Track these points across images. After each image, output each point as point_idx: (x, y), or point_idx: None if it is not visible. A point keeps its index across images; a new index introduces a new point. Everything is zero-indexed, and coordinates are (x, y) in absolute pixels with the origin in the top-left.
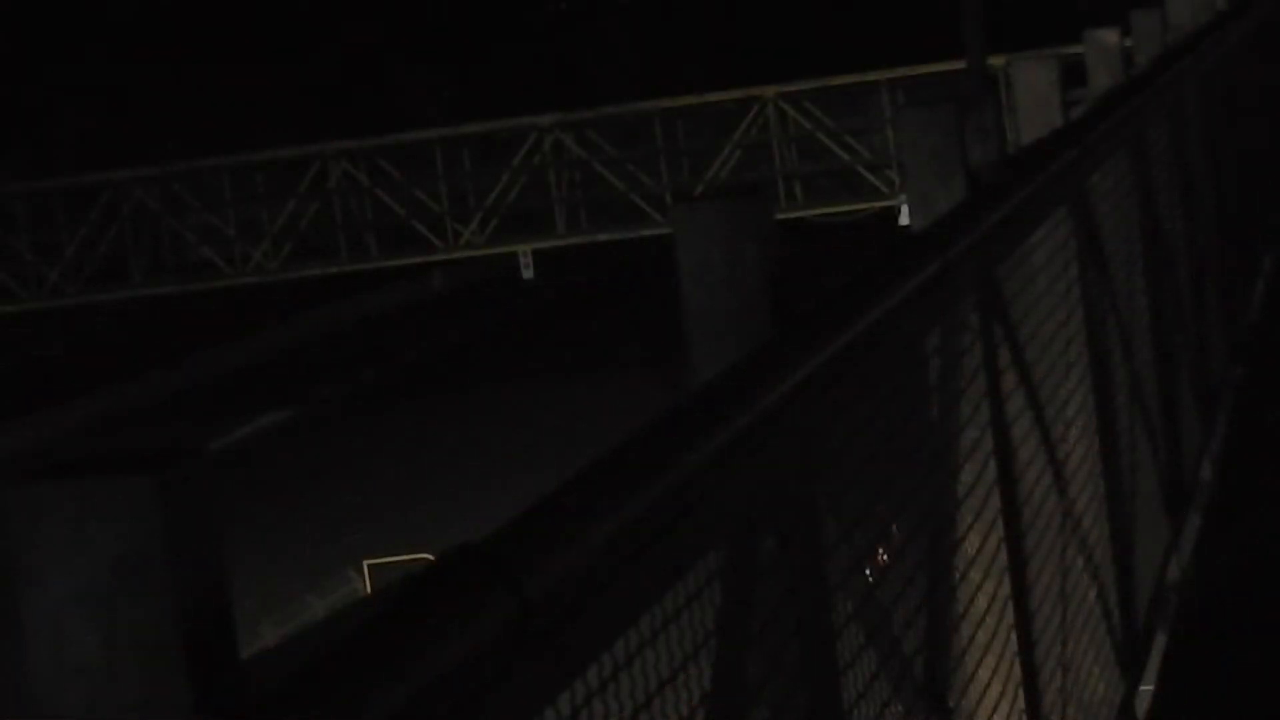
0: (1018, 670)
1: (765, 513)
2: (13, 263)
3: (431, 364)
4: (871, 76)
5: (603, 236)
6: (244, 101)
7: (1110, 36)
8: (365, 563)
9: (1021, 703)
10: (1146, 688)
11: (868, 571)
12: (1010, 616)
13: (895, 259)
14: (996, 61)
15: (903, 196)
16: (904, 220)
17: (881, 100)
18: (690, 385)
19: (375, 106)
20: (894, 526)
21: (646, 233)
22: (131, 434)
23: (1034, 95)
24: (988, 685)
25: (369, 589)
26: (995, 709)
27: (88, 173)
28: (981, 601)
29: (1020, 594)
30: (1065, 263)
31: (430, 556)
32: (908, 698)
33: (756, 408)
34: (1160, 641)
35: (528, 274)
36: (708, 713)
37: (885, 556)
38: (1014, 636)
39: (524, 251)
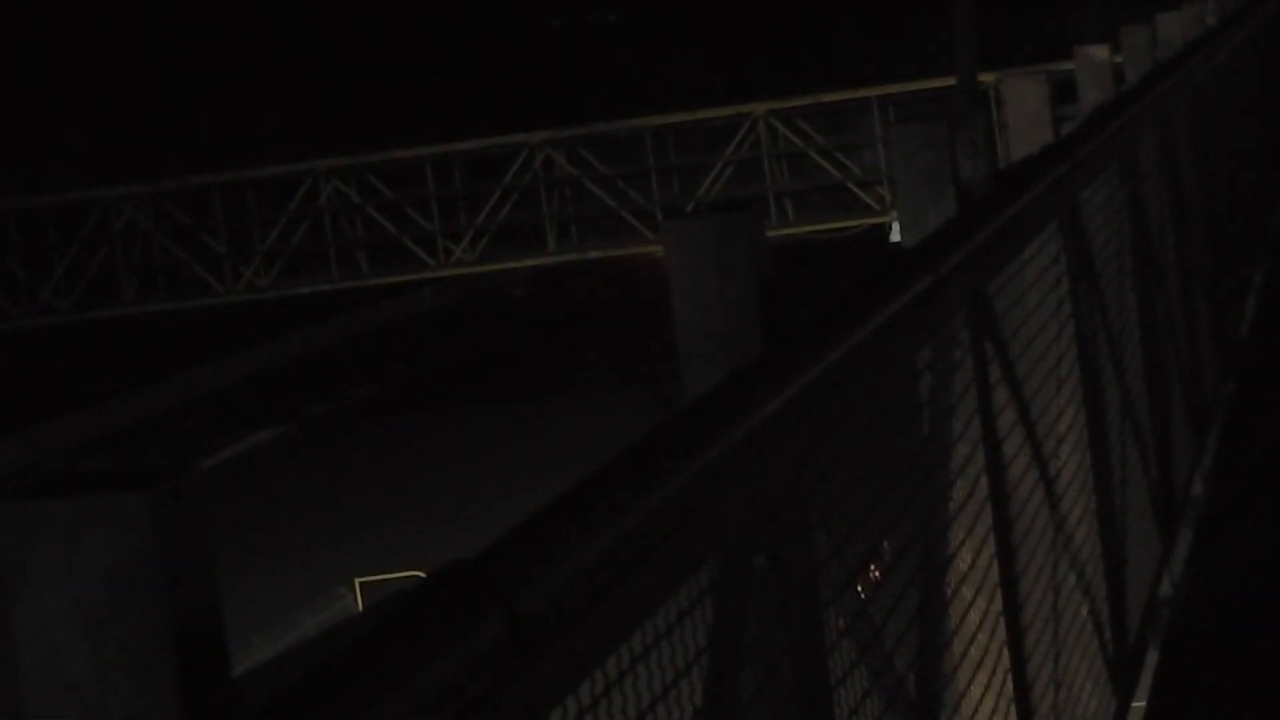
0: (1010, 687)
1: (757, 529)
2: (4, 279)
3: (424, 381)
4: (862, 93)
5: (594, 253)
6: (235, 118)
7: (1100, 53)
8: (357, 580)
9: (1014, 719)
10: (1138, 704)
11: (859, 588)
12: (1002, 633)
13: (886, 275)
14: (987, 78)
15: (894, 213)
16: (895, 237)
17: (872, 117)
18: (682, 401)
19: (367, 123)
20: (885, 543)
21: (638, 250)
22: (123, 451)
23: (1025, 111)
24: (980, 702)
25: (361, 606)
26: None
27: (79, 190)
28: (973, 618)
29: (1012, 610)
30: (1056, 278)
31: (422, 574)
32: (900, 714)
33: (748, 424)
34: (1152, 657)
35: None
36: None
37: (877, 573)
38: (1006, 653)
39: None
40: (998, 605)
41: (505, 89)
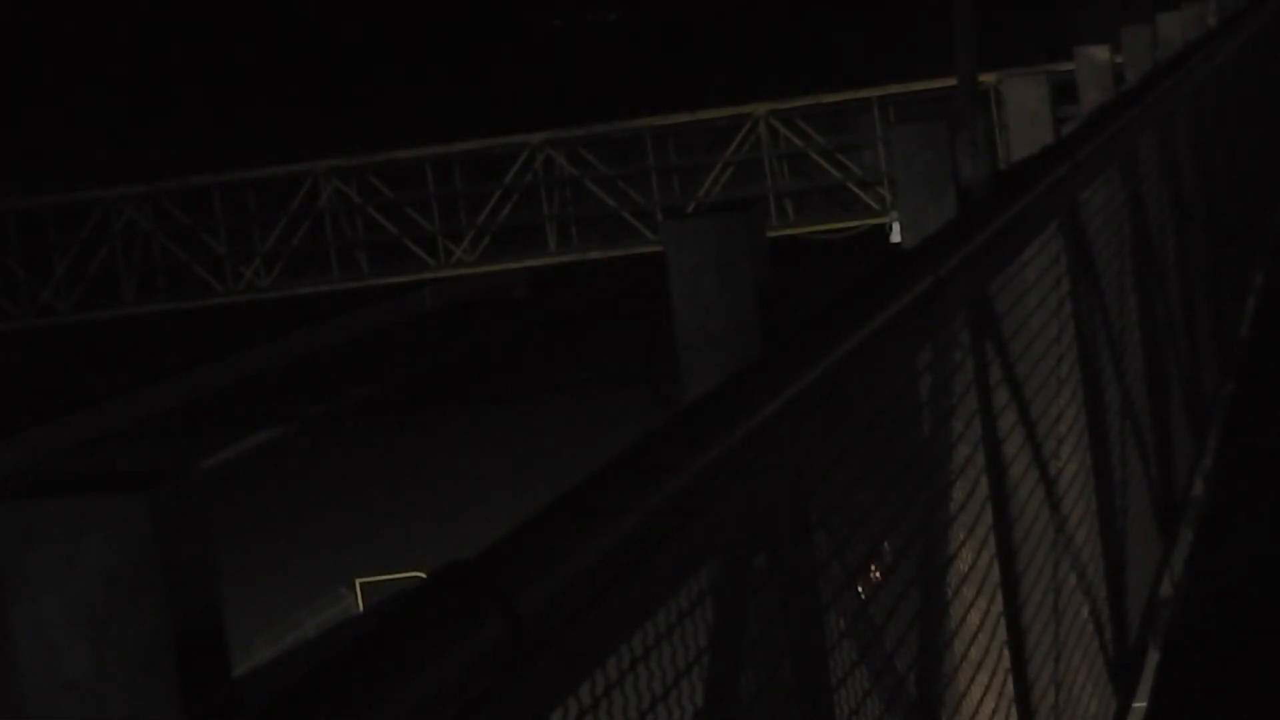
0: (1010, 687)
1: (757, 530)
2: (4, 280)
3: (424, 381)
4: (863, 94)
5: (594, 254)
6: (235, 118)
7: (1101, 53)
8: (357, 580)
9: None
10: (1139, 704)
11: (860, 589)
12: (1003, 633)
13: (886, 276)
14: (988, 78)
15: (894, 213)
16: (895, 237)
17: (873, 117)
18: (682, 401)
19: (367, 123)
20: (886, 543)
21: (637, 250)
22: (123, 452)
23: (1025, 112)
24: (980, 702)
25: (361, 607)
26: None
27: (79, 190)
28: (974, 618)
29: (1012, 611)
30: (1056, 279)
31: (423, 574)
32: (900, 715)
33: (748, 424)
34: (1153, 658)
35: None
36: None
37: (877, 574)
38: (1006, 653)
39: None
40: (998, 606)
41: (505, 89)
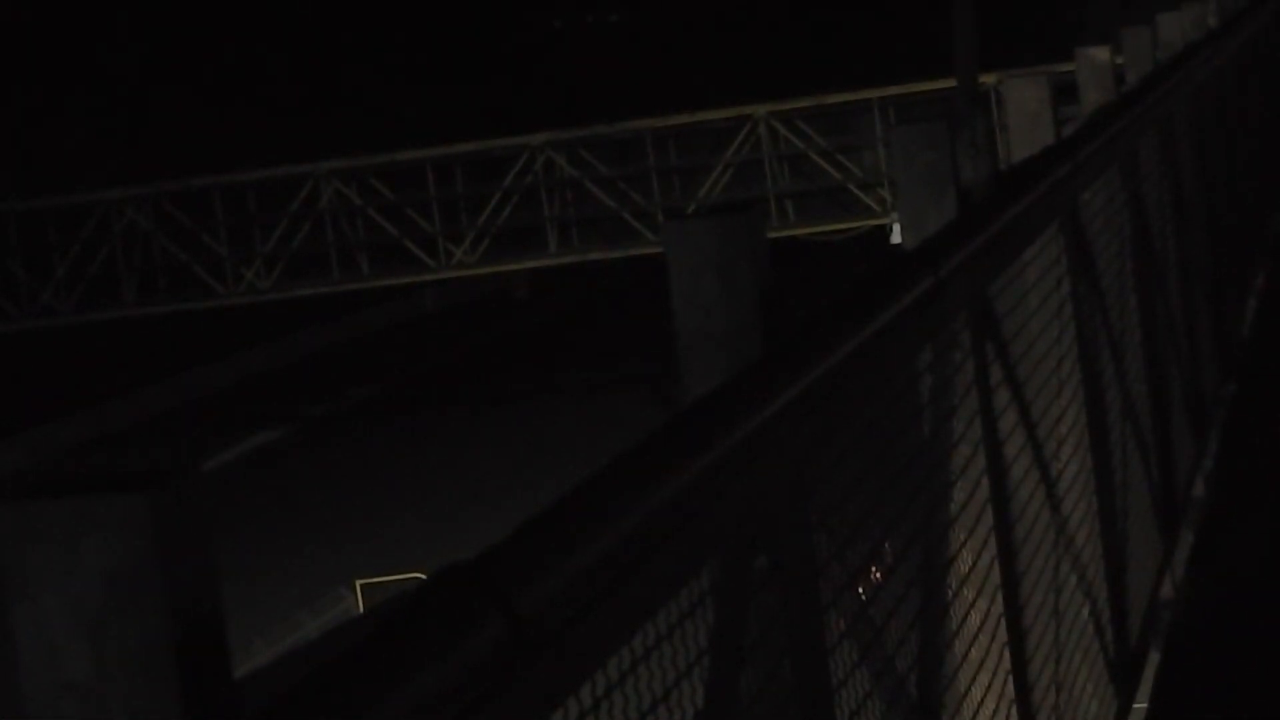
0: (1011, 689)
1: (758, 531)
2: (5, 281)
3: (424, 382)
4: (863, 95)
5: (595, 255)
6: (235, 119)
7: (1101, 54)
8: (358, 582)
9: None
10: (1140, 705)
11: (860, 590)
12: (1003, 634)
13: (887, 277)
14: (988, 79)
15: (895, 215)
16: (896, 238)
17: (873, 119)
18: (682, 402)
19: (368, 125)
20: (887, 544)
21: (638, 251)
22: (123, 452)
23: (1025, 113)
24: (981, 703)
25: (361, 608)
26: None
27: (79, 191)
28: (974, 619)
29: (1013, 612)
30: (1057, 280)
31: (423, 575)
32: (901, 716)
33: (748, 426)
34: (1154, 659)
35: None
36: None
37: (878, 575)
38: (1007, 654)
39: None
40: (999, 607)
41: (505, 90)
